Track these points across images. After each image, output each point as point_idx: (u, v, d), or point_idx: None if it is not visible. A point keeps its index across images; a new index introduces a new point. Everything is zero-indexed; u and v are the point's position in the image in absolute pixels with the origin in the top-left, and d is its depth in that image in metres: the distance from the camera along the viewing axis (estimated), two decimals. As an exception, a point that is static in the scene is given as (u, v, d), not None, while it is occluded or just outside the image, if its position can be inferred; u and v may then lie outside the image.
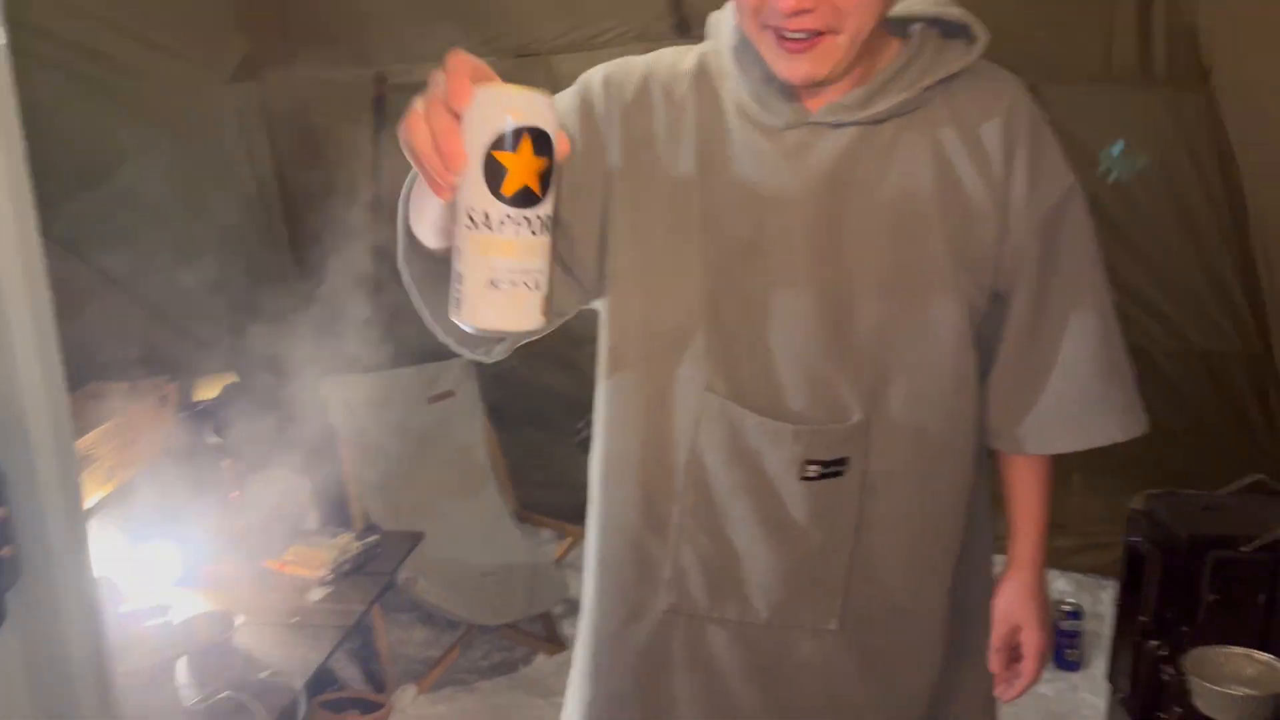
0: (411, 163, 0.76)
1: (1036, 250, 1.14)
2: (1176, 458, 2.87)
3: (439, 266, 0.90)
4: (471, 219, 0.74)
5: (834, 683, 1.22)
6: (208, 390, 2.72)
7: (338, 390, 3.08)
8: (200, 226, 2.87)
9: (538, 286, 0.76)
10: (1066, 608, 2.93)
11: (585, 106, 1.12)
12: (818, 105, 1.09)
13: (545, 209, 0.75)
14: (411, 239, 0.97)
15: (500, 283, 0.75)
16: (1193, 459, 2.85)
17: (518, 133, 0.73)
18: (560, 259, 1.09)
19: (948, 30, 1.12)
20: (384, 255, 3.27)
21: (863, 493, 1.16)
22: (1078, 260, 1.17)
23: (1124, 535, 2.20)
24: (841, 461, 1.14)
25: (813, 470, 1.13)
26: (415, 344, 3.55)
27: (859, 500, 1.16)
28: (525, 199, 0.74)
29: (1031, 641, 1.27)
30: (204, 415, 2.60)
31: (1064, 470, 3.11)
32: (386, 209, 2.87)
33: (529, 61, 2.72)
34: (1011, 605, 1.27)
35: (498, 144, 0.73)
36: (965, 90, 1.11)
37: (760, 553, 1.17)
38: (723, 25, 1.13)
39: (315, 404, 3.19)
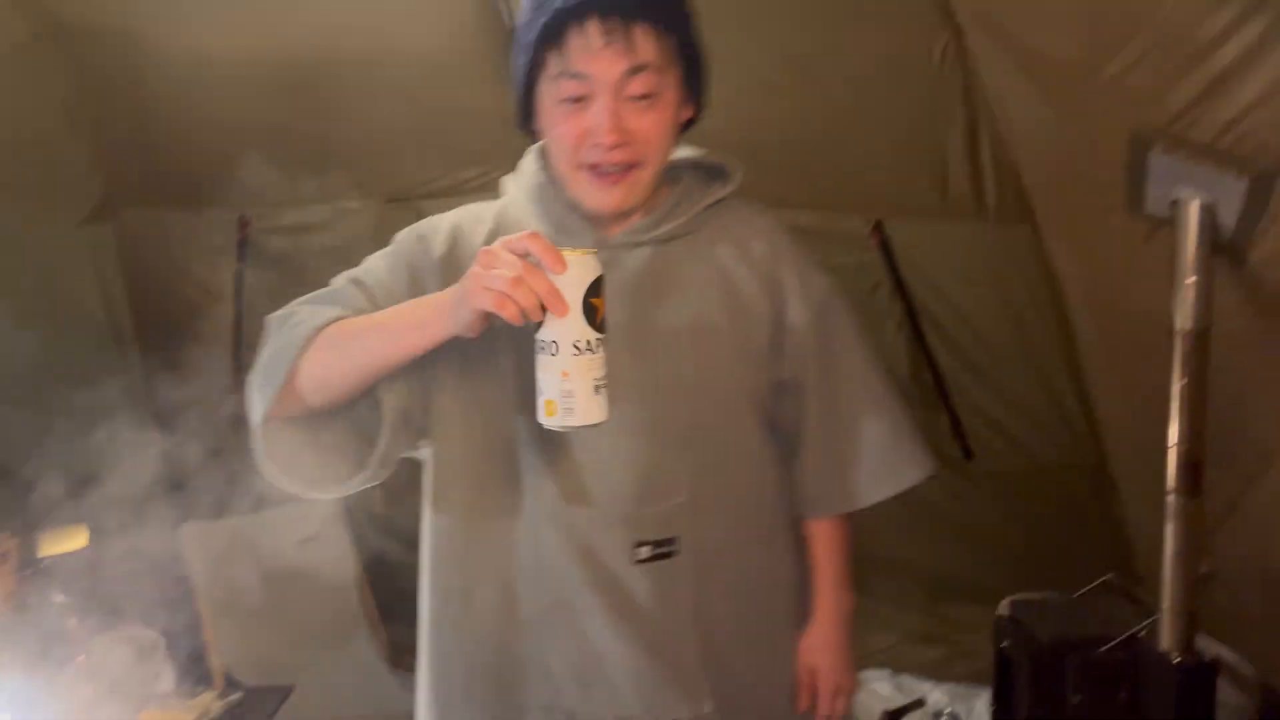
0: (496, 310, 1.03)
1: (815, 341, 1.36)
2: (1035, 566, 3.01)
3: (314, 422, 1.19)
4: (577, 348, 1.06)
5: None
6: (53, 545, 2.55)
7: (195, 538, 2.94)
8: (46, 370, 2.75)
9: (607, 387, 1.09)
10: (945, 718, 2.98)
11: (406, 263, 1.29)
12: (614, 232, 1.29)
13: (608, 333, 1.09)
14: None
15: (600, 389, 1.08)
16: (1050, 566, 3.00)
17: (597, 282, 1.07)
18: (400, 410, 1.23)
19: (710, 172, 1.37)
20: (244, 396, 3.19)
21: (696, 573, 1.29)
22: (852, 342, 1.40)
23: (993, 642, 2.27)
24: (671, 541, 1.27)
25: (644, 552, 1.26)
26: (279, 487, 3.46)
27: (694, 580, 1.29)
28: (604, 327, 1.08)
29: (825, 683, 1.45)
30: (48, 572, 2.44)
31: (935, 580, 3.22)
32: (247, 348, 2.83)
33: (398, 205, 2.76)
34: (811, 653, 1.45)
35: (592, 292, 1.06)
36: (732, 215, 1.35)
37: (618, 646, 1.27)
38: (521, 177, 1.34)
39: (170, 554, 3.02)
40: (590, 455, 1.26)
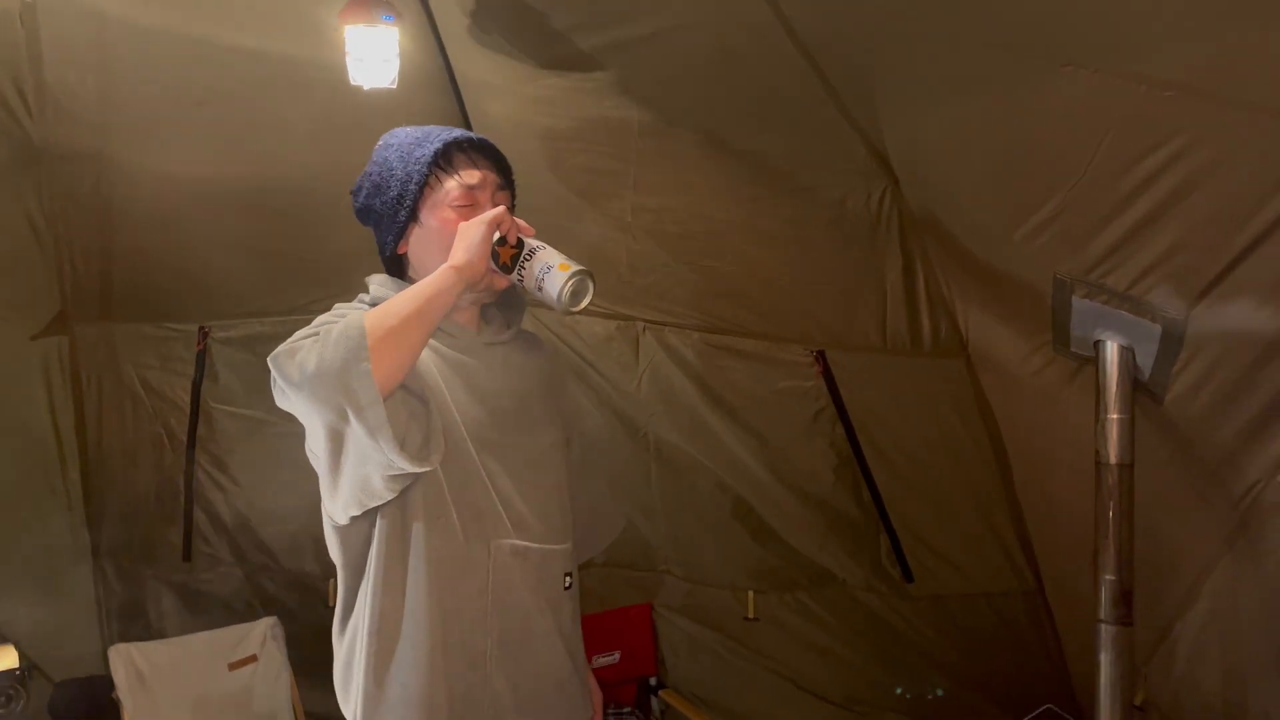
0: (483, 226, 1.41)
1: (577, 424, 1.76)
2: (976, 688, 3.04)
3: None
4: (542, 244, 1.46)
5: None
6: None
7: (125, 659, 2.84)
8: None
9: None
10: None
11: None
12: (477, 330, 1.58)
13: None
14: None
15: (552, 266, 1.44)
16: (991, 689, 3.02)
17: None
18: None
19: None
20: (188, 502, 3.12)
21: (578, 598, 1.61)
22: (584, 427, 1.83)
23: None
24: (571, 574, 1.59)
25: (568, 581, 1.58)
26: (215, 606, 3.37)
27: (578, 604, 1.62)
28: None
29: (598, 708, 1.73)
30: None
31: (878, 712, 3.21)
32: (203, 453, 2.77)
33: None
34: (591, 687, 1.74)
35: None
36: (535, 338, 1.73)
37: (552, 660, 1.54)
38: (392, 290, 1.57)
39: (99, 675, 2.92)
40: (516, 502, 1.51)
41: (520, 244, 1.44)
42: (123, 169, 2.35)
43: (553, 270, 1.41)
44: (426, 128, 1.55)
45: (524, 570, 1.50)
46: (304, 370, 1.29)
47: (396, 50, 1.91)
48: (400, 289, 1.49)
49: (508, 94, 2.14)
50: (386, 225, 1.53)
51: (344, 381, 1.27)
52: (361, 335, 1.28)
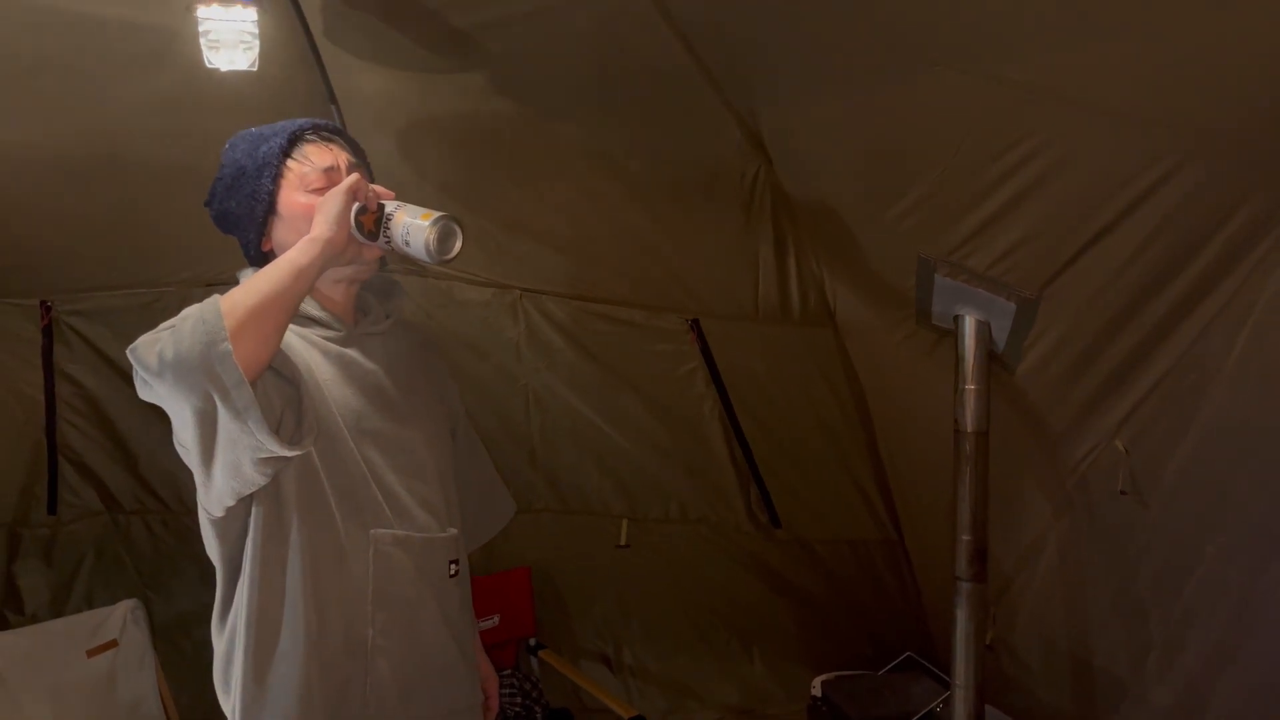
0: (345, 194, 1.40)
1: (461, 415, 1.76)
2: (842, 641, 3.21)
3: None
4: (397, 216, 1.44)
5: None
6: None
7: (-27, 652, 2.69)
8: None
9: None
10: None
11: None
12: (353, 323, 1.58)
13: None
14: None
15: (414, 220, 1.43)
16: (856, 642, 3.21)
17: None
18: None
19: (382, 289, 1.69)
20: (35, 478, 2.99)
21: (464, 584, 1.63)
22: (468, 421, 1.80)
23: (808, 720, 2.41)
24: (457, 561, 1.60)
25: (453, 569, 1.58)
26: (69, 590, 3.22)
27: (467, 590, 1.65)
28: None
29: (492, 686, 1.78)
30: None
31: (746, 651, 3.38)
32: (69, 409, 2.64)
33: (220, 289, 2.70)
34: (485, 671, 1.78)
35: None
36: (404, 320, 1.70)
37: (436, 646, 1.55)
38: None
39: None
40: (400, 492, 1.52)
41: (380, 208, 1.44)
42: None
43: (416, 223, 1.41)
44: (271, 124, 1.53)
45: (406, 559, 1.50)
46: (163, 358, 1.25)
47: (256, 32, 1.80)
48: None
49: (380, 72, 2.07)
50: (246, 224, 1.51)
51: (205, 365, 1.24)
52: (218, 316, 1.25)
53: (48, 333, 2.87)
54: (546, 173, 2.30)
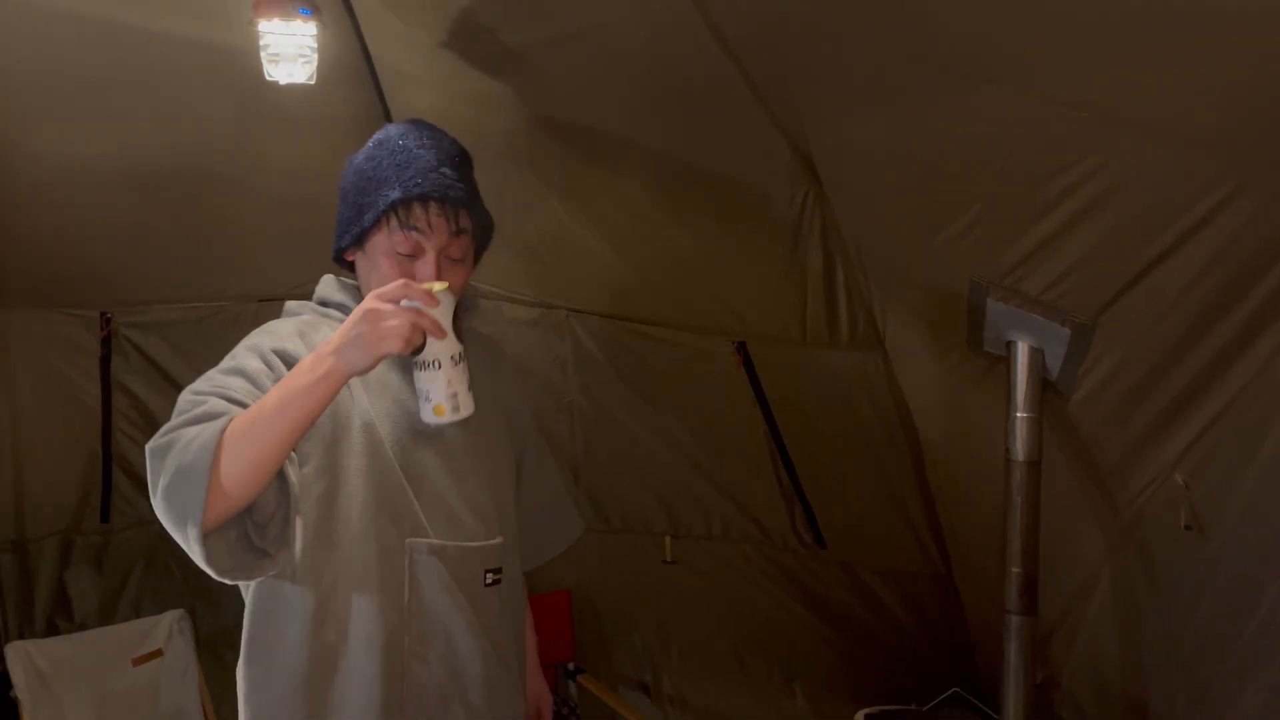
0: (401, 350, 1.32)
1: (534, 432, 1.81)
2: (885, 674, 3.14)
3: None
4: (454, 359, 1.41)
5: None
6: None
7: (22, 657, 2.75)
8: None
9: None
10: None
11: (268, 367, 1.46)
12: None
13: None
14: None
15: (470, 387, 1.44)
16: (899, 675, 3.13)
17: (455, 307, 1.41)
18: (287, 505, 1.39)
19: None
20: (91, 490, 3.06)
21: (510, 594, 1.64)
22: (542, 438, 1.85)
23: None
24: (499, 570, 1.60)
25: (490, 578, 1.58)
26: (118, 598, 3.27)
27: (510, 601, 1.65)
28: (462, 339, 1.43)
29: (546, 704, 1.84)
30: None
31: (787, 682, 3.32)
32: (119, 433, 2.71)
33: (272, 305, 2.75)
34: (536, 689, 1.84)
35: (455, 316, 1.40)
36: (480, 333, 1.75)
37: (474, 655, 1.55)
38: (348, 297, 1.59)
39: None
40: (450, 498, 1.55)
41: (422, 348, 1.39)
42: (19, 152, 2.23)
43: (433, 397, 1.41)
44: (414, 152, 1.51)
45: (441, 568, 1.53)
46: (155, 486, 1.31)
47: (314, 45, 1.83)
48: (344, 292, 1.58)
49: (434, 88, 2.09)
50: (342, 228, 1.56)
51: (179, 530, 1.30)
52: (200, 487, 1.26)
53: (106, 344, 2.94)
54: (594, 192, 2.31)
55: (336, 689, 1.48)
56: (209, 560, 1.31)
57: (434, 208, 1.49)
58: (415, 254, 1.49)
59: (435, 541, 1.52)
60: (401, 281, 1.36)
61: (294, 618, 1.48)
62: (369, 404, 1.51)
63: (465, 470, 1.58)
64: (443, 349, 1.39)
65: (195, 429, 1.31)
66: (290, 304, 1.62)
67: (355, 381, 1.50)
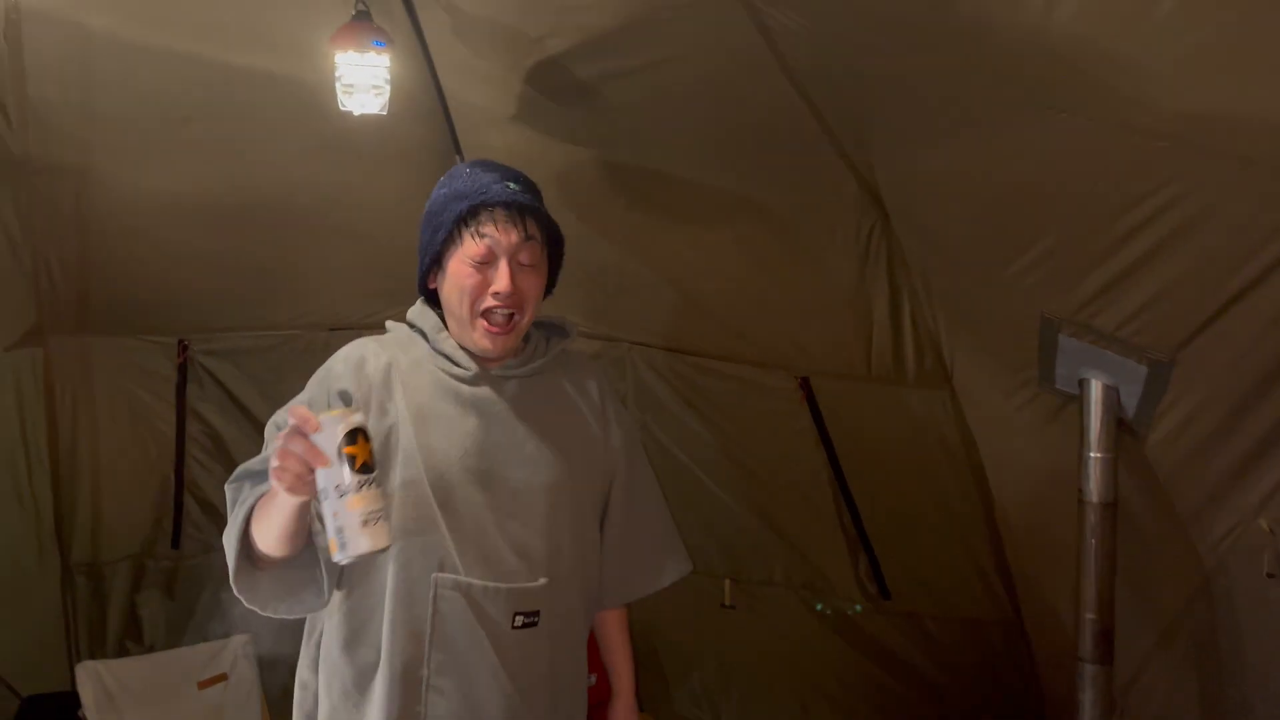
0: (287, 485, 1.24)
1: (624, 461, 1.74)
2: (950, 698, 3.04)
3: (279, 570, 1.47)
4: (339, 490, 1.22)
5: None
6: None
7: (92, 676, 2.80)
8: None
9: (385, 518, 1.25)
10: None
11: (322, 394, 1.58)
12: (492, 366, 1.64)
13: (376, 471, 1.25)
14: (250, 564, 1.46)
15: (369, 521, 1.23)
16: (962, 701, 3.03)
17: (353, 433, 1.24)
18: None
19: (553, 330, 1.75)
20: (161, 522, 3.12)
21: (551, 640, 1.60)
22: (644, 466, 1.81)
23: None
24: (535, 613, 1.57)
25: (519, 620, 1.56)
26: (186, 622, 3.33)
27: (549, 646, 1.61)
28: (367, 468, 1.24)
29: None
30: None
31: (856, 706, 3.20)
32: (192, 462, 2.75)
33: (343, 334, 2.80)
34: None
35: (347, 442, 1.23)
36: (572, 360, 1.75)
37: (494, 695, 1.55)
38: (420, 321, 1.67)
39: (68, 691, 2.87)
40: (490, 535, 1.55)
41: (367, 467, 1.25)
42: (103, 184, 2.32)
43: (326, 531, 1.25)
44: (481, 176, 1.60)
45: (465, 605, 1.54)
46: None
47: (388, 77, 1.89)
48: (427, 321, 1.66)
49: (504, 122, 2.13)
50: (421, 254, 1.65)
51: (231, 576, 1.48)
52: (236, 553, 1.45)
53: (182, 370, 3.02)
54: (657, 224, 2.32)
55: (372, 705, 1.55)
56: (241, 596, 1.50)
57: (500, 213, 1.57)
58: (488, 260, 1.56)
59: (462, 579, 1.54)
60: (291, 408, 1.38)
61: (339, 634, 1.58)
62: (414, 435, 1.56)
63: (512, 508, 1.58)
64: (325, 478, 1.23)
65: (248, 489, 1.49)
66: (390, 324, 1.72)
67: (405, 413, 1.57)
